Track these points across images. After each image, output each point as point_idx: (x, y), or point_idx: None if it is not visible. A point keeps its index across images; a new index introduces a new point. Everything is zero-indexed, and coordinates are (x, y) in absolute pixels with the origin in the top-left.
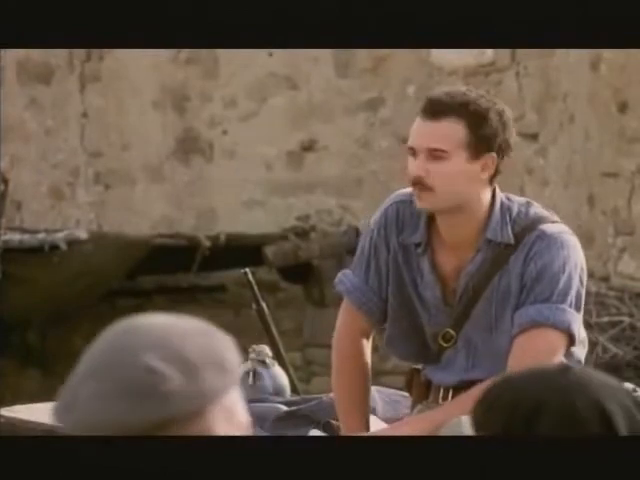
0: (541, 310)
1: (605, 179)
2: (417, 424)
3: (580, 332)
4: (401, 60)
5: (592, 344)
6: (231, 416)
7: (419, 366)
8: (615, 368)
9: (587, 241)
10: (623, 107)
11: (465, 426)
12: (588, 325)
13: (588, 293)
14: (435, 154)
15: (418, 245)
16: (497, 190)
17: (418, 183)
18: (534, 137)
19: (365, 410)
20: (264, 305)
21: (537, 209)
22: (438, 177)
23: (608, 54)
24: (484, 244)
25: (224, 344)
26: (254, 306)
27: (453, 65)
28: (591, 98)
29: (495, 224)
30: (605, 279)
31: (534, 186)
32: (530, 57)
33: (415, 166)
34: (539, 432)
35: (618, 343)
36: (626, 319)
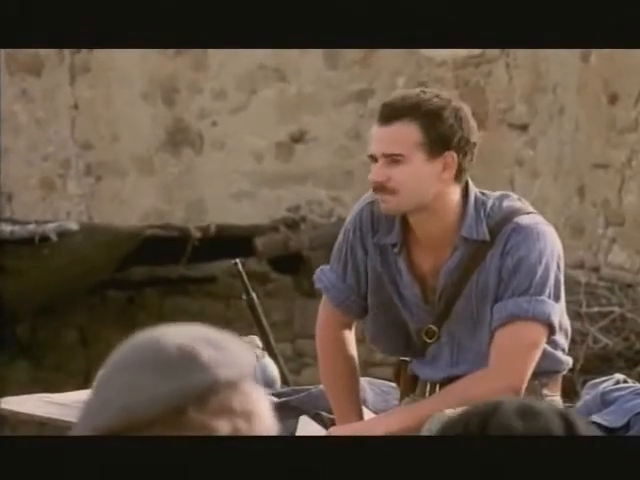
0: (520, 303)
1: (595, 170)
2: (402, 416)
3: (563, 320)
4: (390, 51)
5: (583, 335)
6: (260, 393)
7: (406, 358)
8: (605, 358)
9: (577, 232)
10: (613, 98)
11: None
12: (578, 315)
13: (578, 283)
14: (393, 158)
15: (394, 245)
16: (470, 186)
17: (380, 188)
18: (524, 128)
19: (355, 398)
20: (254, 296)
21: (511, 201)
22: (400, 181)
23: None
24: (460, 242)
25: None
26: (244, 297)
27: (442, 56)
28: (581, 89)
29: (470, 221)
30: (595, 270)
31: (524, 178)
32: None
33: (375, 172)
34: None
35: (608, 334)
36: (616, 310)
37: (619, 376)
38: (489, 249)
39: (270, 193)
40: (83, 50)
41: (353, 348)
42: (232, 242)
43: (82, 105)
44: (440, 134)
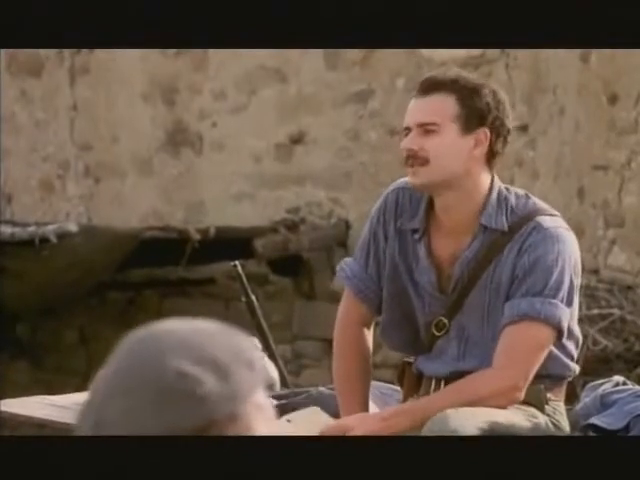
0: (533, 303)
1: (595, 171)
2: (405, 415)
3: (574, 328)
4: (390, 52)
5: (582, 336)
6: (264, 413)
7: (410, 359)
8: (605, 360)
9: (577, 234)
10: (613, 99)
11: (451, 420)
12: (578, 318)
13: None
14: (427, 128)
15: (415, 231)
16: (496, 179)
17: (412, 157)
18: (524, 129)
19: (364, 398)
20: (254, 298)
21: (536, 201)
22: (432, 150)
23: None
24: (479, 231)
25: (248, 343)
26: (243, 299)
27: (442, 57)
28: (581, 90)
29: (490, 210)
30: (595, 272)
31: (524, 179)
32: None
33: (407, 140)
34: None
35: (608, 335)
36: (616, 311)
37: (618, 378)
38: (507, 242)
39: (269, 194)
40: (83, 51)
41: (369, 345)
42: (231, 244)
43: (81, 106)
44: (476, 109)
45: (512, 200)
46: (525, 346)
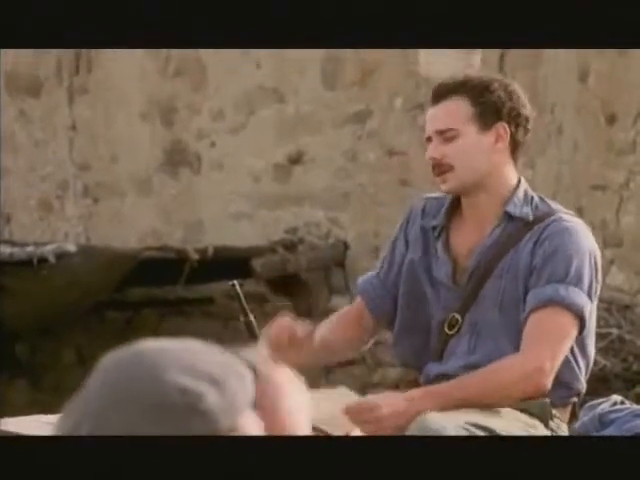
0: (557, 289)
1: (593, 192)
2: (433, 397)
3: (589, 346)
4: (388, 72)
5: None
6: (258, 424)
7: (422, 364)
8: (603, 380)
9: None
10: (612, 119)
11: (432, 423)
12: None
13: None
14: (446, 135)
15: (435, 228)
16: (523, 179)
17: (437, 165)
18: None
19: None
20: (252, 317)
21: (558, 204)
22: (455, 156)
23: (596, 65)
24: (503, 218)
25: (233, 356)
26: (242, 318)
27: (441, 76)
28: (579, 109)
29: (517, 201)
30: None
31: None
32: (518, 68)
33: (430, 149)
34: None
35: (606, 355)
36: (614, 331)
37: (617, 397)
38: (527, 232)
39: (268, 214)
40: (81, 71)
41: (351, 337)
42: (230, 263)
43: (80, 126)
44: (489, 105)
45: (536, 198)
46: (550, 329)
